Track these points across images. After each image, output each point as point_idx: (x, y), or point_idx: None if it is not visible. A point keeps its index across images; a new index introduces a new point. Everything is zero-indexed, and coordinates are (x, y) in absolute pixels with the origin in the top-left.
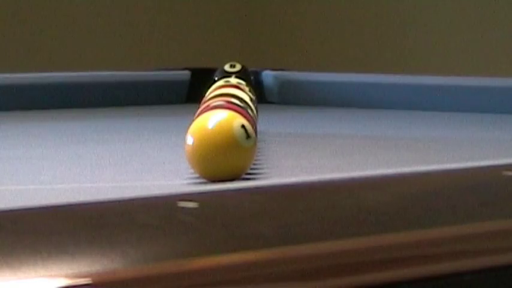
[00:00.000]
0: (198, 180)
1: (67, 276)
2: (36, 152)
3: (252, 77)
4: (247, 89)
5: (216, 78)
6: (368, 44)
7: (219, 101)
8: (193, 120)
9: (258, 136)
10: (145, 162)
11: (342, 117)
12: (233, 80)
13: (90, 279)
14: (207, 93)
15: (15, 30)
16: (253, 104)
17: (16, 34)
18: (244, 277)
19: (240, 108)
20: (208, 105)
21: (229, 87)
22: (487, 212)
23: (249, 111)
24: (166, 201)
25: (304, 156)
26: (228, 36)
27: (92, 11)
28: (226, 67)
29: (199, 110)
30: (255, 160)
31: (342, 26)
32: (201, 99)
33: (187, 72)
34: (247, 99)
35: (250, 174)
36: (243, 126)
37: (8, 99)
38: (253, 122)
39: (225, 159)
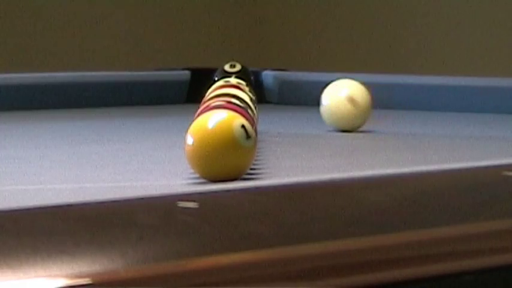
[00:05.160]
0: (198, 180)
1: (67, 276)
2: (36, 152)
3: (252, 77)
4: (247, 89)
5: (216, 78)
6: (368, 44)
7: (219, 101)
8: (193, 120)
9: (258, 136)
10: (145, 162)
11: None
12: (233, 80)
13: (90, 279)
14: (207, 93)
15: (15, 30)
16: (253, 104)
17: (16, 34)
18: (244, 277)
19: (240, 108)
20: (208, 105)
21: (229, 87)
22: (487, 212)
23: (249, 111)
24: (166, 201)
25: (304, 156)
26: (228, 36)
27: (92, 11)
28: (226, 67)
29: (199, 110)
30: (255, 160)
31: (342, 26)
32: (201, 99)
33: (187, 72)
34: (247, 99)
35: (250, 174)
36: (243, 126)
37: (8, 99)
38: (253, 122)
39: (225, 159)
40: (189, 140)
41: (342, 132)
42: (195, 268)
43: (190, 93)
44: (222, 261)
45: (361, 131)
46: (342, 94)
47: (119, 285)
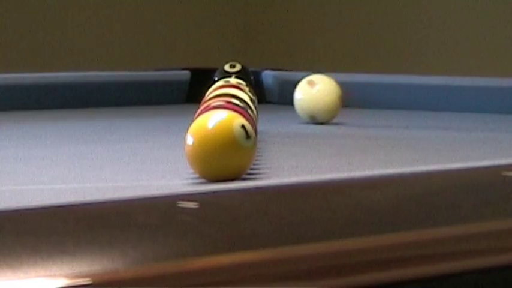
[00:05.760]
0: (198, 180)
1: (67, 276)
2: (36, 152)
3: (252, 77)
4: (247, 89)
5: (216, 78)
6: (368, 44)
7: (219, 101)
8: (193, 121)
9: (258, 136)
10: (145, 162)
11: (341, 117)
12: (233, 80)
13: (90, 279)
14: (207, 94)
15: (15, 30)
16: (253, 104)
17: (16, 34)
18: (244, 277)
19: (240, 108)
20: (208, 106)
21: (229, 87)
22: (487, 212)
23: (249, 111)
24: (166, 201)
25: (304, 156)
26: (228, 36)
27: (92, 11)
28: (226, 67)
29: (199, 110)
30: (255, 160)
31: (341, 26)
32: (201, 99)
33: (187, 72)
34: (247, 99)
35: (250, 174)
36: (243, 126)
37: (8, 99)
38: (253, 122)
39: (225, 159)
40: (189, 140)
41: (316, 124)
42: (195, 268)
43: (190, 93)
44: (222, 261)
45: (362, 132)
46: (312, 88)
47: (119, 285)
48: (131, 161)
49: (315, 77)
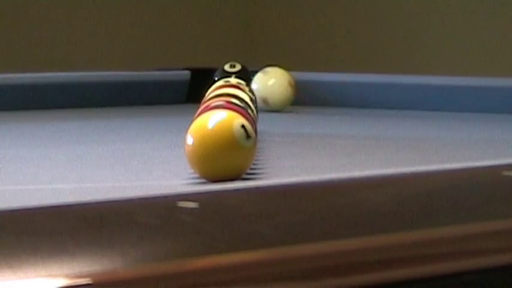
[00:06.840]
0: (198, 180)
1: (67, 276)
2: (36, 152)
3: (252, 77)
4: (247, 89)
5: (216, 78)
6: (368, 44)
7: (219, 101)
8: (193, 120)
9: (258, 136)
10: (145, 162)
11: (341, 117)
12: (233, 80)
13: (90, 279)
14: (207, 93)
15: (15, 30)
16: (253, 104)
17: (16, 34)
18: (244, 277)
19: (240, 108)
20: (208, 105)
21: (229, 87)
22: (487, 212)
23: (249, 111)
24: (166, 201)
25: (304, 156)
26: (228, 36)
27: (92, 10)
28: (226, 67)
29: (199, 110)
30: (255, 160)
31: (342, 26)
32: (201, 99)
33: (187, 72)
34: (247, 99)
35: (250, 174)
36: (243, 126)
37: (8, 99)
38: (253, 122)
39: (225, 159)
40: (189, 140)
41: (270, 112)
42: (195, 268)
43: (190, 93)
44: (222, 261)
45: (362, 131)
46: (268, 80)
47: (118, 285)
48: (131, 161)
49: (269, 69)
